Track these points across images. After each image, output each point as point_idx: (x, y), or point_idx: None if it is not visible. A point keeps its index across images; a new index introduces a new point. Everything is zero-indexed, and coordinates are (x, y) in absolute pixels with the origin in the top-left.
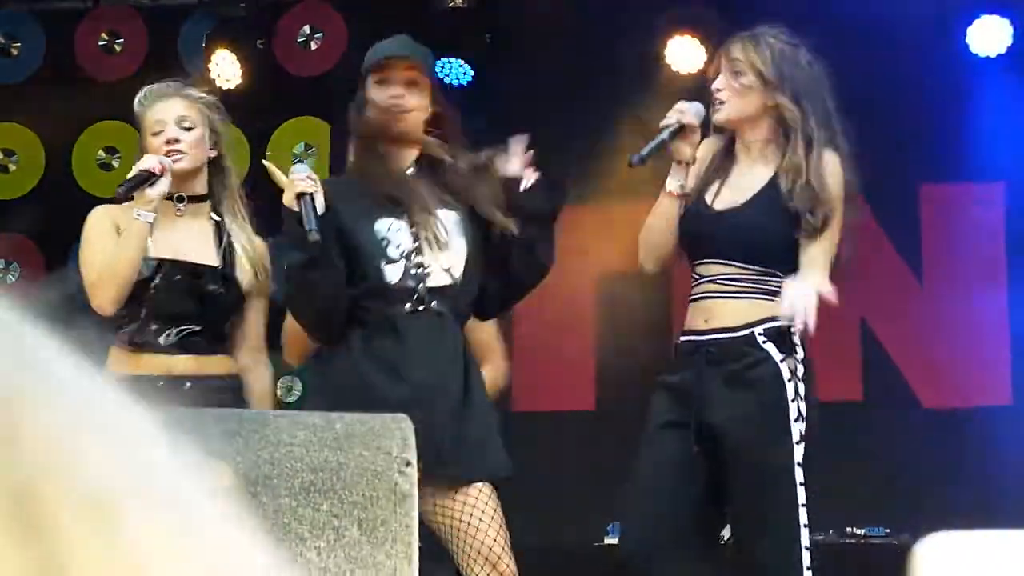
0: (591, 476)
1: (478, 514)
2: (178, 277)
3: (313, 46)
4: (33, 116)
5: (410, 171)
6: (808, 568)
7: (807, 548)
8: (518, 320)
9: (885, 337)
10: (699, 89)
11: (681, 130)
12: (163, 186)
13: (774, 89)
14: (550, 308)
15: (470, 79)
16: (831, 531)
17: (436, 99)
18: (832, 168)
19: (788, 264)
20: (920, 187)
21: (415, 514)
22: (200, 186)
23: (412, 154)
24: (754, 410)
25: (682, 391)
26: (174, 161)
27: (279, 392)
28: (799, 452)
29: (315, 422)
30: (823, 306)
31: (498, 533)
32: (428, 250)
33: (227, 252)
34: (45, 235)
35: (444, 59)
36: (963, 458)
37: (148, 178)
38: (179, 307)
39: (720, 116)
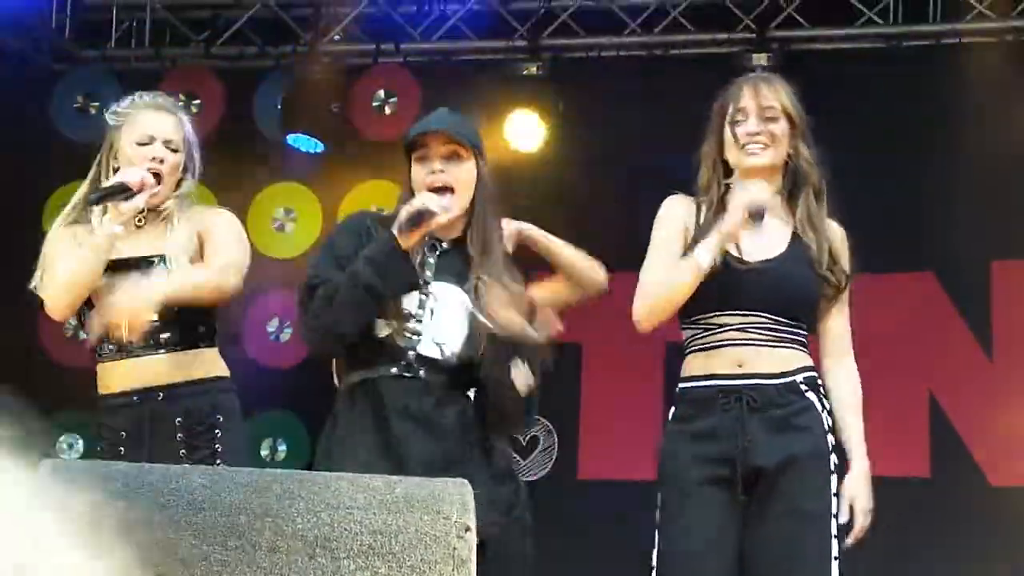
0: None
1: None
2: (130, 271)
3: (387, 110)
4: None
5: (445, 244)
6: None
7: None
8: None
9: (953, 412)
10: None
11: (758, 214)
12: (138, 202)
13: (798, 137)
14: None
15: (542, 144)
16: None
17: (481, 170)
18: (840, 236)
19: (812, 320)
20: (992, 263)
21: None
22: (161, 202)
23: (458, 225)
24: (801, 456)
25: (718, 439)
26: (154, 182)
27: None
28: (835, 504)
29: (376, 485)
30: (890, 379)
31: None
32: (428, 319)
33: (170, 235)
34: None
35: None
36: None
37: (125, 191)
38: None
39: (758, 161)
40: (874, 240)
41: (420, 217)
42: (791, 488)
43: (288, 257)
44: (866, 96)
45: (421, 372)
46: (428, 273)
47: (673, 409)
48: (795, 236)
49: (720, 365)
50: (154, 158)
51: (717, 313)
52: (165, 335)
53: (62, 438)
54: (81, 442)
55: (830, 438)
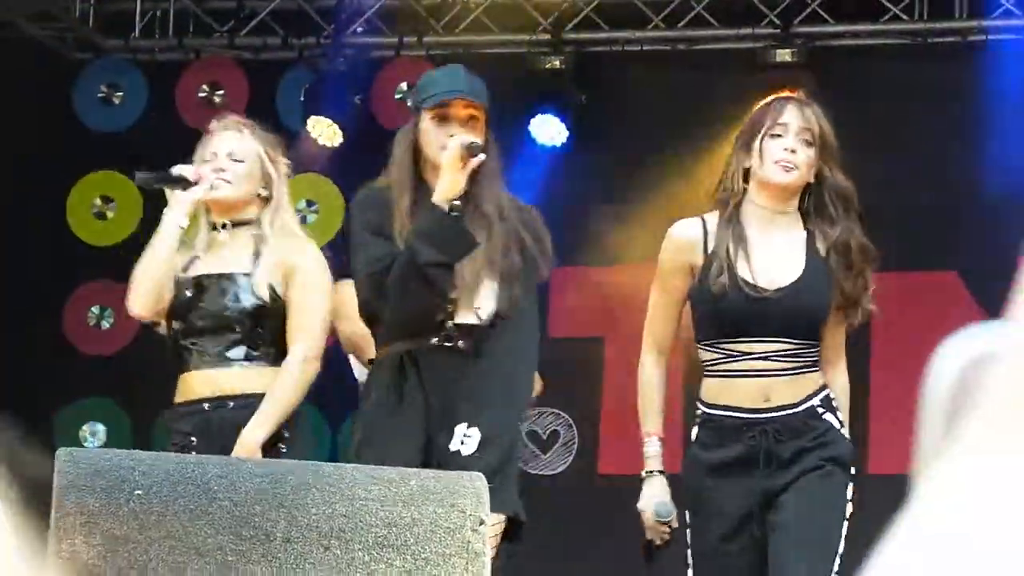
0: None
1: None
2: (213, 285)
3: (410, 102)
4: (133, 165)
5: (457, 202)
6: None
7: None
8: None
9: None
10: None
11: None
12: (194, 194)
13: (829, 161)
14: None
15: (565, 139)
16: None
17: (488, 132)
18: (859, 243)
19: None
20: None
21: (487, 573)
22: (246, 216)
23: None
24: (820, 463)
25: (740, 473)
26: (214, 186)
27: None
28: (849, 508)
29: (390, 477)
30: (913, 378)
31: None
32: (462, 286)
33: (259, 259)
34: None
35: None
36: None
37: (179, 180)
38: (217, 315)
39: (786, 179)
40: (898, 238)
41: (469, 150)
42: (807, 484)
43: None
44: (891, 92)
45: (460, 343)
46: None
47: (696, 430)
48: (810, 254)
49: (745, 397)
50: (215, 168)
51: (737, 340)
52: (238, 350)
53: (85, 427)
54: (103, 430)
55: (849, 446)
